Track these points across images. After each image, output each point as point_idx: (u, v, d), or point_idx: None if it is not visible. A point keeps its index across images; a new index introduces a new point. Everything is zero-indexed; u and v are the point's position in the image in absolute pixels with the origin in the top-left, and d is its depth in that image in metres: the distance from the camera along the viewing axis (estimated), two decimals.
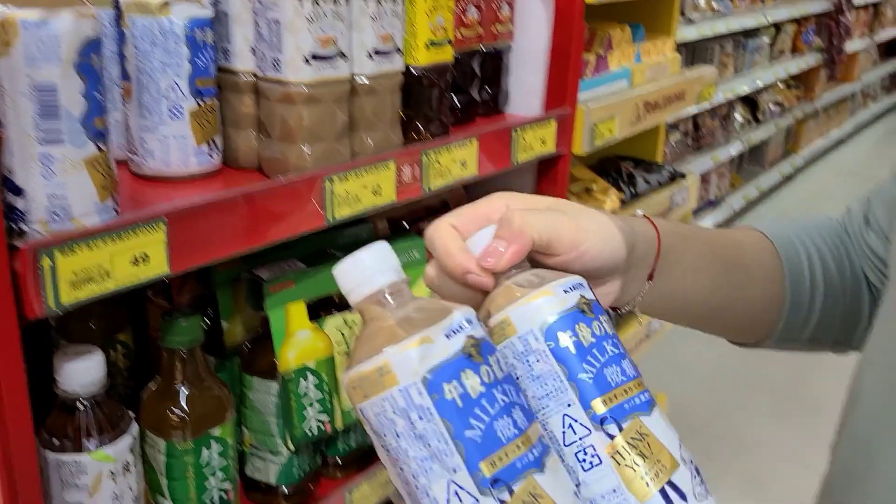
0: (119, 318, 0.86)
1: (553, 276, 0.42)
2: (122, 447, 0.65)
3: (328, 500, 0.86)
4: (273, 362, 0.79)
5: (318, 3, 0.71)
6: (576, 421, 0.41)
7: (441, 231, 0.44)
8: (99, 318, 0.83)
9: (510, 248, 0.42)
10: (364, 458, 0.92)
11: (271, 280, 0.78)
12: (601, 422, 0.41)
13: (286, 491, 0.84)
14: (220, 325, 0.86)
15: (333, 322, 0.83)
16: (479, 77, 0.98)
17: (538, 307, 0.41)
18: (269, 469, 0.84)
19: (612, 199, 1.52)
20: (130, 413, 0.68)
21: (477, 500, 0.38)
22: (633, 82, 1.54)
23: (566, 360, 0.41)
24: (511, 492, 0.38)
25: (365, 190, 0.77)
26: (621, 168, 1.66)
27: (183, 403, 0.70)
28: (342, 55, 0.75)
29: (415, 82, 0.85)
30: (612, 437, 0.41)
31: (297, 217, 0.71)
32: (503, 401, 0.40)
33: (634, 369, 0.42)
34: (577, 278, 0.43)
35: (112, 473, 0.64)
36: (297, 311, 0.79)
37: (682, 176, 1.75)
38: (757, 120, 4.08)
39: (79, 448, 0.63)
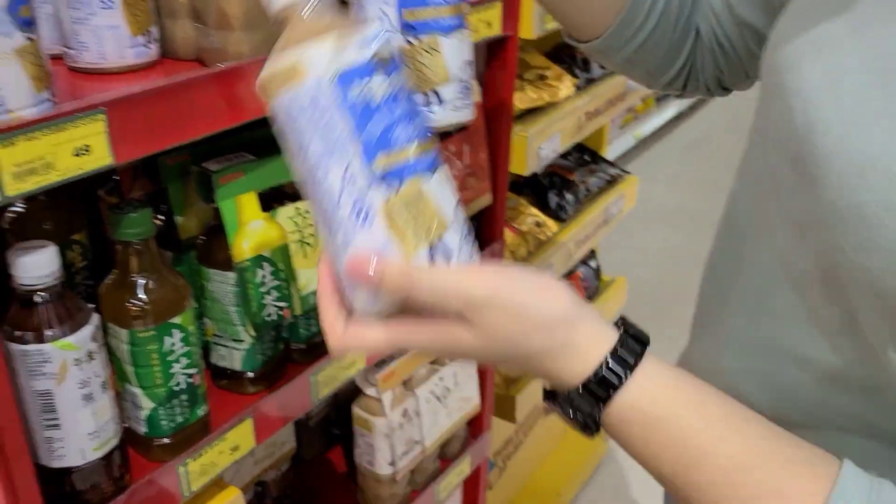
0: (74, 220, 0.86)
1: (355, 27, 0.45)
2: (83, 336, 0.67)
3: (293, 384, 0.90)
4: (228, 254, 0.81)
5: None
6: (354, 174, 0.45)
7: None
8: (54, 220, 0.84)
9: None
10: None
11: (220, 171, 0.79)
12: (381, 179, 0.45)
13: (252, 376, 0.88)
14: (173, 220, 0.87)
15: (286, 212, 0.84)
16: None
17: (329, 53, 0.44)
18: (234, 356, 0.87)
19: (567, 85, 1.52)
20: (90, 306, 0.70)
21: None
22: None
23: (354, 113, 0.44)
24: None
25: None
26: (576, 54, 1.66)
27: (140, 293, 0.72)
28: None
29: None
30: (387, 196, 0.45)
31: (238, 107, 0.72)
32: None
33: (424, 131, 0.47)
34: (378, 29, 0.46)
35: (77, 361, 0.67)
36: (249, 202, 0.81)
37: None
38: None
39: (41, 339, 0.65)
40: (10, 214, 0.84)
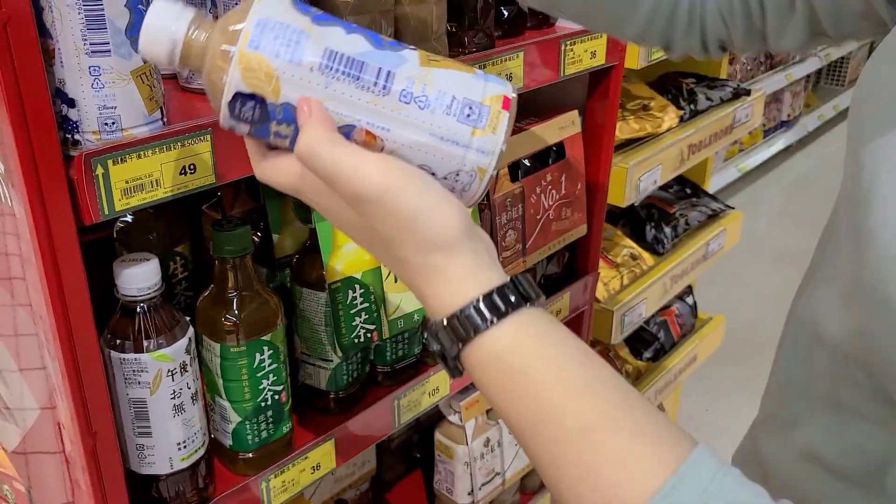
0: (178, 232, 0.89)
1: None
2: (178, 348, 0.69)
3: (377, 407, 0.90)
4: (321, 273, 0.82)
5: None
6: None
7: None
8: (159, 231, 0.87)
9: None
10: (410, 367, 0.95)
11: None
12: None
13: (336, 396, 0.88)
14: (270, 238, 0.89)
15: None
16: None
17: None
18: (320, 375, 0.88)
19: (671, 116, 1.48)
20: (187, 318, 0.72)
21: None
22: None
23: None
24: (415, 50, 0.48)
25: None
26: (682, 85, 1.61)
27: (235, 309, 0.74)
28: None
29: None
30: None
31: None
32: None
33: None
34: None
35: (171, 372, 0.68)
36: None
37: (747, 93, 1.68)
38: None
39: (140, 348, 0.67)
40: (119, 223, 0.88)
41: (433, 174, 0.47)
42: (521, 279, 0.46)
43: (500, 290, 0.45)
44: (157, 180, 0.60)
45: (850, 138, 0.50)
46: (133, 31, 0.58)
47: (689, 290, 1.83)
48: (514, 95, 0.48)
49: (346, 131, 0.46)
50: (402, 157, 0.47)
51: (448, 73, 0.47)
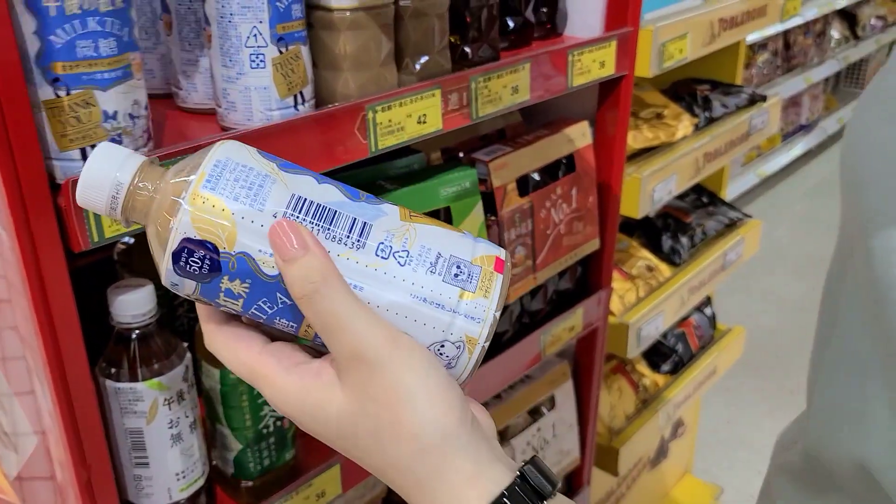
0: None
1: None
2: (175, 376, 0.67)
3: None
4: None
5: None
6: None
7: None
8: None
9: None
10: None
11: None
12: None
13: None
14: None
15: None
16: None
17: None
18: None
19: (685, 124, 1.45)
20: (184, 344, 0.70)
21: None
22: None
23: None
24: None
25: (409, 119, 0.75)
26: (696, 92, 1.58)
27: None
28: None
29: (462, 5, 0.81)
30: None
31: (340, 147, 0.71)
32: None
33: None
34: None
35: (167, 401, 0.67)
36: None
37: (763, 98, 1.65)
38: (856, 36, 3.80)
39: (135, 377, 0.65)
40: (121, 245, 0.86)
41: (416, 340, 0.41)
42: (530, 470, 0.40)
43: (511, 492, 0.38)
44: None
45: (849, 205, 0.45)
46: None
47: (707, 300, 1.79)
48: (508, 258, 0.43)
49: None
50: None
51: (432, 230, 0.42)
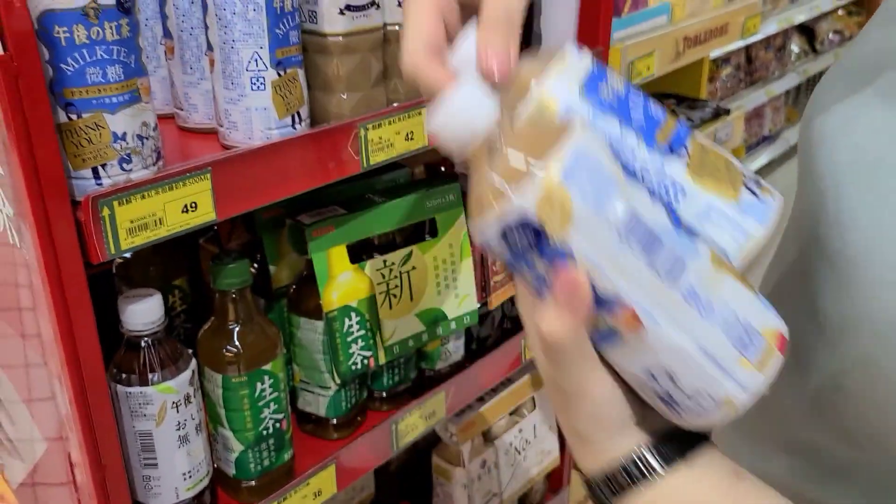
0: (175, 266, 0.92)
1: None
2: (182, 380, 0.71)
3: (375, 431, 0.92)
4: (318, 303, 0.84)
5: None
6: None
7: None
8: (157, 265, 0.89)
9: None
10: (408, 392, 0.97)
11: (313, 225, 0.82)
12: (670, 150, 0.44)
13: (335, 422, 0.90)
14: (267, 270, 0.91)
15: (374, 264, 0.87)
16: None
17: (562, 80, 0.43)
18: (319, 402, 0.90)
19: None
20: (189, 350, 0.74)
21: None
22: (673, 17, 1.52)
23: (616, 110, 0.43)
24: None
25: (398, 136, 0.80)
26: (664, 106, 1.65)
27: (236, 341, 0.76)
28: (375, 4, 0.77)
29: None
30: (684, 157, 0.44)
31: (334, 163, 0.75)
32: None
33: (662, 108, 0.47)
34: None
35: (175, 404, 0.70)
36: (339, 254, 0.84)
37: (727, 112, 1.73)
38: (815, 50, 3.95)
39: (145, 381, 0.69)
40: (119, 259, 0.90)
41: (674, 382, 0.41)
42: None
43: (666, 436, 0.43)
44: (160, 219, 0.63)
45: (803, 165, 0.50)
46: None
47: None
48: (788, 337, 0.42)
49: (610, 301, 0.40)
50: (651, 352, 0.41)
51: (735, 286, 0.41)
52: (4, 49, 0.52)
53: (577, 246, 0.39)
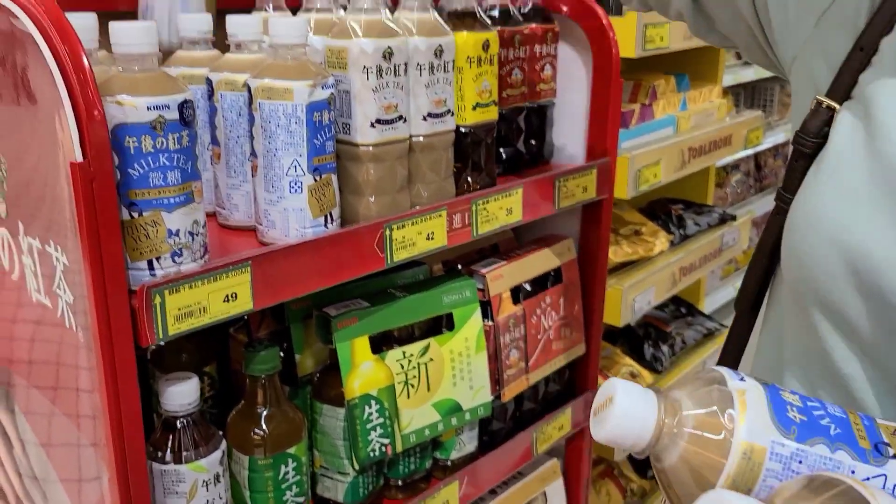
0: (206, 353, 0.97)
1: None
2: (213, 460, 0.75)
3: None
4: (340, 391, 0.89)
5: (381, 76, 0.82)
6: None
7: None
8: (190, 352, 0.95)
9: None
10: (422, 481, 1.01)
11: (338, 316, 0.88)
12: None
13: None
14: (293, 357, 0.97)
15: (394, 355, 0.92)
16: (524, 131, 1.08)
17: None
18: (338, 488, 0.93)
19: (662, 241, 1.59)
20: (220, 432, 0.79)
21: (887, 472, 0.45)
22: (678, 129, 1.61)
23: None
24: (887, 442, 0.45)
25: (420, 236, 0.87)
26: (671, 211, 1.73)
27: (263, 424, 0.80)
28: (402, 119, 0.86)
29: (464, 139, 0.95)
30: None
31: (361, 260, 0.82)
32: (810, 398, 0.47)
33: None
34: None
35: (206, 483, 0.75)
36: (361, 345, 0.90)
37: (733, 218, 1.80)
38: None
39: (178, 460, 0.74)
40: (153, 345, 0.96)
41: None
42: None
43: None
44: (204, 307, 0.69)
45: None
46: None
47: None
48: None
49: None
50: None
51: None
52: (84, 156, 0.60)
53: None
